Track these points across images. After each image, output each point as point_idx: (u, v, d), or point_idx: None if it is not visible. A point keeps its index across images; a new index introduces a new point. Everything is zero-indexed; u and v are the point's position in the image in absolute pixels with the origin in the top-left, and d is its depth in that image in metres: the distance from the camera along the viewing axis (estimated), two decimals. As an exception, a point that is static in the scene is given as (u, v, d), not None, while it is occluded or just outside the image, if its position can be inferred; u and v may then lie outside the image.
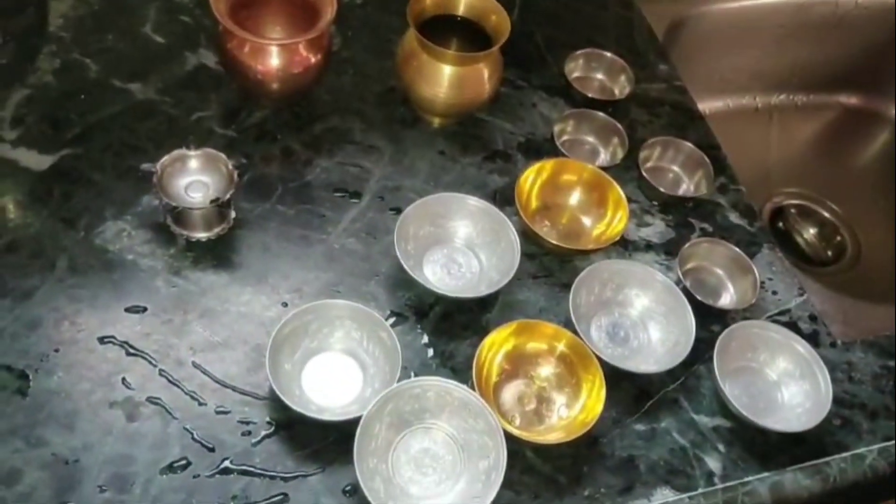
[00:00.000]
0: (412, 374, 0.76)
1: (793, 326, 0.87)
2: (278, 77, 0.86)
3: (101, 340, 0.74)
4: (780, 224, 1.26)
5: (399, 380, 0.71)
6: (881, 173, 1.38)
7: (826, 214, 1.29)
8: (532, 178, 0.90)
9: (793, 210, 1.28)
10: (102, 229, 0.81)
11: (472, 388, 0.72)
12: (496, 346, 0.77)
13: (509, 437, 0.70)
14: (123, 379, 0.72)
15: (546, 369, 0.79)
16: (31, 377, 0.71)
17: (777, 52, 1.31)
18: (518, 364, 0.78)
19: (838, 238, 1.26)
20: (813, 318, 0.89)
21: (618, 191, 0.89)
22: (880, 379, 0.85)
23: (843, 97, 1.41)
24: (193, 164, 0.81)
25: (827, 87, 1.40)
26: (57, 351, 0.73)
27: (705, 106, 1.23)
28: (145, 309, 0.77)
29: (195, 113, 0.91)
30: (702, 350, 0.81)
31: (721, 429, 0.79)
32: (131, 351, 0.74)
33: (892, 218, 1.30)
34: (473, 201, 0.85)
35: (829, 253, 1.25)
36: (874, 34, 1.33)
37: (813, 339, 0.86)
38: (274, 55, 0.85)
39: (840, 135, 1.41)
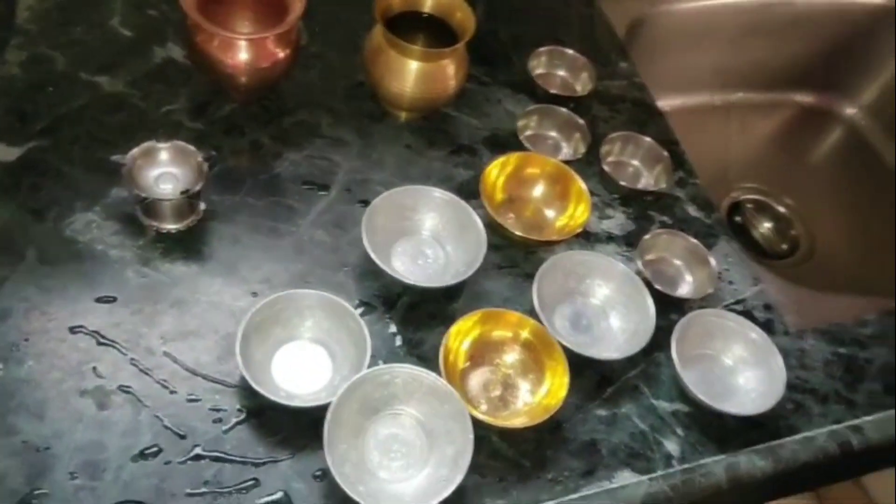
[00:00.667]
0: (380, 362, 0.77)
1: (748, 315, 0.89)
2: (247, 71, 0.87)
3: (72, 330, 0.74)
4: (738, 218, 1.29)
5: (368, 367, 0.73)
6: (834, 170, 1.41)
7: (781, 209, 1.32)
8: (497, 172, 0.91)
9: (749, 205, 1.31)
10: (72, 220, 0.81)
11: (440, 376, 0.73)
12: (462, 334, 0.78)
13: (476, 423, 0.71)
14: (94, 368, 0.73)
15: (511, 356, 0.80)
16: (1, 366, 0.71)
17: (735, 51, 1.34)
18: (484, 352, 0.80)
19: (793, 232, 1.30)
20: (767, 308, 0.92)
21: (580, 184, 0.92)
22: (831, 365, 0.88)
23: (798, 96, 1.45)
24: (163, 156, 0.81)
25: (783, 86, 1.43)
26: (27, 340, 0.73)
27: (665, 103, 1.25)
28: (115, 299, 0.77)
29: (164, 106, 0.92)
30: (661, 338, 0.83)
31: (679, 413, 0.81)
32: (102, 340, 0.74)
33: (844, 212, 1.33)
34: (440, 194, 0.87)
35: (785, 246, 1.28)
36: (828, 35, 1.36)
37: (767, 327, 0.89)
38: (242, 49, 0.86)
39: (795, 132, 1.44)
